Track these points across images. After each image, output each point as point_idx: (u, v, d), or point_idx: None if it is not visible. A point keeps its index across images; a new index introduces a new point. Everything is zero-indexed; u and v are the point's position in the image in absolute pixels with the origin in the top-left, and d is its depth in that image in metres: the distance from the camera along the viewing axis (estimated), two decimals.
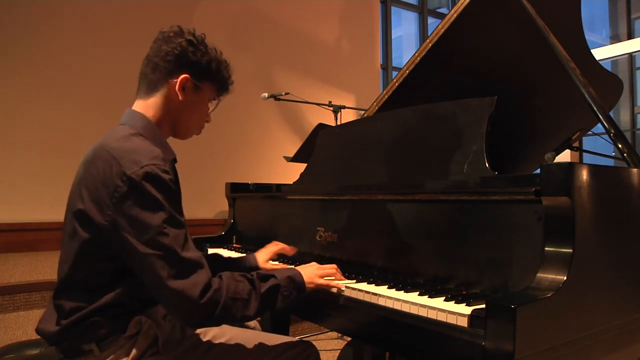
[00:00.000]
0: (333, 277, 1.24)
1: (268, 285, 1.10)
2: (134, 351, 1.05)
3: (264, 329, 1.59)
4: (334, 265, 1.27)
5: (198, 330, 1.22)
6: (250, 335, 1.26)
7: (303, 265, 1.24)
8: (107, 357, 1.04)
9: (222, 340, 1.23)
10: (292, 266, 1.24)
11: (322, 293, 1.24)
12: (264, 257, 1.49)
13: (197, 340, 1.18)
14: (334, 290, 1.20)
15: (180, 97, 1.15)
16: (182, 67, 1.14)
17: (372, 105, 1.95)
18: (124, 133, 1.09)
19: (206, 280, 1.00)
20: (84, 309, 1.03)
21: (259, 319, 1.63)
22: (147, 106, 1.16)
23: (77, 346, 1.04)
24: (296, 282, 1.16)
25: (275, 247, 1.53)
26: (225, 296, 1.01)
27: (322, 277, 1.21)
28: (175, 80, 1.14)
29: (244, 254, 1.55)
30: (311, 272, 1.20)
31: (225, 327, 1.26)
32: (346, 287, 1.19)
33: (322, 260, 1.45)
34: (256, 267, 1.45)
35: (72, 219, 1.05)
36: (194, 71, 1.15)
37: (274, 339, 1.26)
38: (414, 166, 1.42)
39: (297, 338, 1.33)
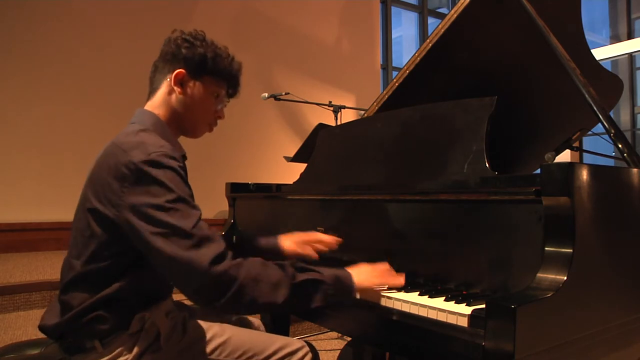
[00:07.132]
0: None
1: (307, 277, 1.03)
2: (136, 348, 1.05)
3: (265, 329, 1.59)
4: (387, 265, 1.17)
5: (199, 327, 1.21)
6: (251, 334, 1.26)
7: (356, 266, 1.16)
8: (110, 354, 1.04)
9: (223, 338, 1.23)
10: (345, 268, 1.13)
11: None
12: (289, 243, 1.45)
13: (198, 338, 1.18)
14: (385, 294, 1.10)
15: (178, 92, 1.18)
16: (177, 62, 1.18)
17: (372, 105, 1.95)
18: (134, 129, 1.13)
19: (218, 251, 0.95)
20: (90, 301, 1.04)
21: (260, 317, 1.63)
22: (153, 106, 1.21)
23: (80, 342, 1.05)
24: (344, 284, 1.08)
25: (307, 236, 1.45)
26: (245, 275, 0.95)
27: (377, 278, 1.12)
28: (171, 76, 1.18)
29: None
30: (366, 275, 1.11)
31: (226, 326, 1.26)
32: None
33: (323, 260, 1.45)
34: (275, 247, 1.44)
35: (87, 216, 1.06)
36: (189, 65, 1.18)
37: (274, 338, 1.26)
38: (414, 166, 1.42)
39: (297, 338, 1.32)
